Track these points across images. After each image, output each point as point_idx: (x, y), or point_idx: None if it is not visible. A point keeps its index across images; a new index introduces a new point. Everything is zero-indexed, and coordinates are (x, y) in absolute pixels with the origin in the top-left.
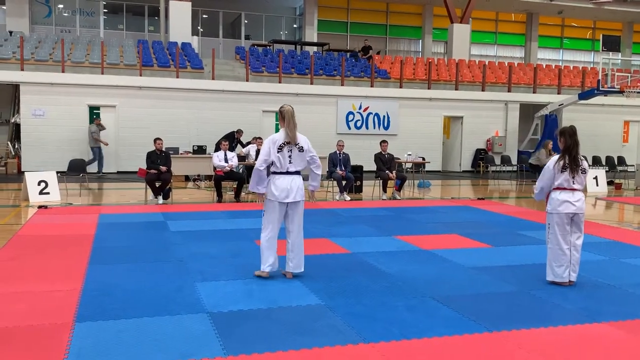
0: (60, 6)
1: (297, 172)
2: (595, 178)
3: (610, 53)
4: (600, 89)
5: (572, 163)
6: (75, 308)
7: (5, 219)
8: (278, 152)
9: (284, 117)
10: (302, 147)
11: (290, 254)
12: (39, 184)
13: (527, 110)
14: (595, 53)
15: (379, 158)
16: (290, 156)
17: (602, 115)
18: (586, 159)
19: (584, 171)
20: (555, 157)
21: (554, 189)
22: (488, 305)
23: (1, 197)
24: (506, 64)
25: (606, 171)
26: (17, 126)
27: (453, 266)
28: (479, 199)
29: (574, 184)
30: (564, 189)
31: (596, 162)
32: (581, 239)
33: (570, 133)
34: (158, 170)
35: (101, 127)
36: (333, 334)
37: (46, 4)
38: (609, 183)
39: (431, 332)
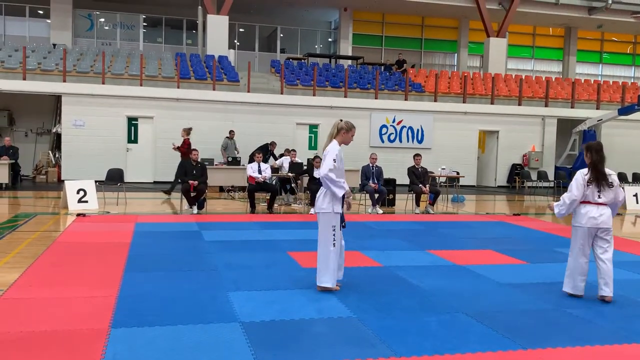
0: (102, 20)
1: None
2: (636, 195)
3: None
4: None
5: (598, 177)
6: (111, 314)
7: (45, 226)
8: None
9: None
10: (325, 156)
11: None
12: (77, 192)
13: (565, 126)
14: (636, 68)
15: (412, 172)
16: None
17: None
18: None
19: (611, 185)
20: (584, 170)
21: (580, 202)
22: (523, 322)
23: (42, 204)
24: (543, 79)
25: None
26: (58, 136)
27: (487, 282)
28: (514, 214)
29: (599, 198)
30: (589, 202)
31: (636, 179)
32: (609, 253)
33: (597, 149)
34: (189, 183)
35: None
36: (365, 347)
37: (88, 18)
38: None
39: (464, 348)
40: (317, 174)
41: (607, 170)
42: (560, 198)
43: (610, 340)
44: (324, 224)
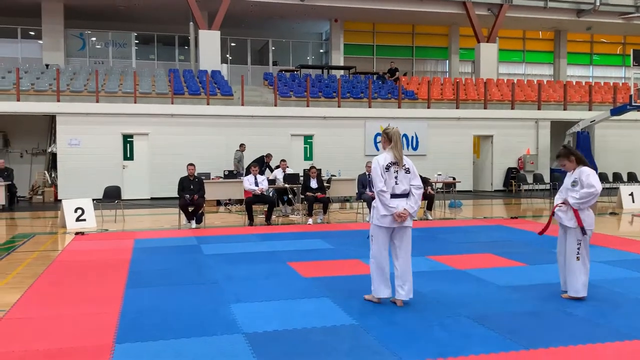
0: (94, 39)
1: (403, 195)
2: (631, 194)
3: None
4: (633, 104)
5: None
6: (114, 330)
7: (43, 245)
8: (385, 171)
9: (390, 139)
10: (408, 168)
11: (399, 281)
12: (75, 211)
13: (559, 128)
14: (626, 68)
15: None
16: (396, 177)
17: (636, 130)
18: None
19: None
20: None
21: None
22: (525, 323)
23: (39, 224)
24: (535, 82)
25: None
26: (54, 156)
27: (488, 285)
28: (512, 217)
29: None
30: None
31: (631, 178)
32: None
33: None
34: (189, 199)
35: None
36: (368, 355)
37: (80, 37)
38: None
39: (468, 351)
40: (314, 184)
41: None
42: (585, 194)
43: (612, 338)
44: (409, 236)
